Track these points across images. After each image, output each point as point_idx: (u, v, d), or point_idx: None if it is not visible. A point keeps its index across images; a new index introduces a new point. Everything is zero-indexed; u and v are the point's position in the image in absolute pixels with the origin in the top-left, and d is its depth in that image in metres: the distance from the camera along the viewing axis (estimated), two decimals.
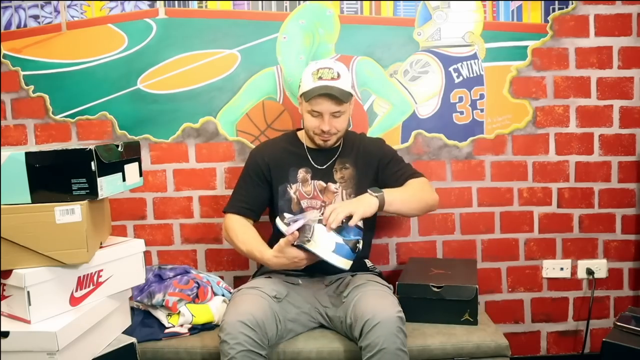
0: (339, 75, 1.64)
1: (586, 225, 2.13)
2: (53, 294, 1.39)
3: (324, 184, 1.76)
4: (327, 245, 1.49)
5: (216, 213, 2.09)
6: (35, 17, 2.01)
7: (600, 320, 2.16)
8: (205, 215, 2.11)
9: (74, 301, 1.43)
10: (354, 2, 2.02)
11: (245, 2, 2.02)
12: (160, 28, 2.02)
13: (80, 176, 1.36)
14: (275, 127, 2.07)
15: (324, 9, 2.02)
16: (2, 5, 1.99)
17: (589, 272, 2.13)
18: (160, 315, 1.74)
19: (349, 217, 1.49)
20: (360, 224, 1.55)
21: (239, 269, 2.14)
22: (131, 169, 1.57)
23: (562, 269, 2.14)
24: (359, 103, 2.06)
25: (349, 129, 1.94)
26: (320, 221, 1.53)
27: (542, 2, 2.02)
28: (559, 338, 2.19)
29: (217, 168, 2.09)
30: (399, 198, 1.62)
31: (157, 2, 2.01)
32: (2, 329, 1.31)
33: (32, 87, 2.03)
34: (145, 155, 2.04)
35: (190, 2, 2.01)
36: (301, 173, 1.77)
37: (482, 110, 2.07)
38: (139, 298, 1.75)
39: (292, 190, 1.76)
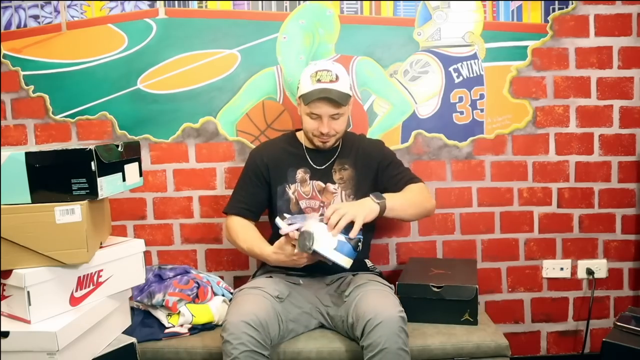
0: (337, 78, 1.64)
1: (586, 225, 2.13)
2: (53, 294, 1.39)
3: (322, 185, 1.76)
4: (329, 243, 1.49)
5: (216, 213, 2.09)
6: (35, 17, 2.01)
7: (600, 320, 2.16)
8: (205, 215, 2.11)
9: (74, 301, 1.43)
10: (354, 2, 2.02)
11: (245, 2, 2.02)
12: (160, 28, 2.02)
13: (80, 176, 1.36)
14: (275, 127, 2.07)
15: (324, 9, 2.02)
16: (2, 5, 1.99)
17: (589, 272, 2.13)
18: (160, 315, 1.74)
19: (351, 222, 1.51)
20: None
21: (239, 269, 2.14)
22: (131, 169, 1.57)
23: (562, 269, 2.14)
24: (359, 103, 2.06)
25: (349, 130, 1.94)
26: (320, 222, 1.53)
27: (542, 2, 2.02)
28: (559, 338, 2.19)
29: (217, 168, 2.09)
30: (400, 204, 1.65)
31: (157, 2, 2.01)
32: (2, 329, 1.31)
33: (32, 87, 2.03)
34: (145, 155, 2.04)
35: (190, 2, 2.01)
36: (300, 173, 1.77)
37: (482, 110, 2.07)
38: (139, 298, 1.75)
39: (291, 190, 1.76)
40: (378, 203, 1.58)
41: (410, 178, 1.77)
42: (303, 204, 1.75)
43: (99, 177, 1.38)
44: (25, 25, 2.01)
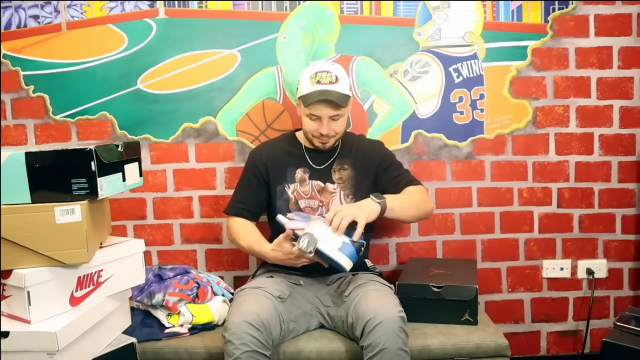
0: (337, 79, 1.64)
1: (586, 225, 2.13)
2: (53, 294, 1.39)
3: (321, 184, 1.76)
4: (333, 243, 1.49)
5: (216, 213, 2.09)
6: (35, 17, 2.01)
7: (600, 320, 2.16)
8: (205, 215, 2.11)
9: (74, 301, 1.43)
10: (354, 2, 2.02)
11: (245, 2, 2.02)
12: (160, 28, 2.02)
13: (80, 176, 1.36)
14: (275, 127, 2.07)
15: (324, 9, 2.02)
16: (2, 5, 1.99)
17: (589, 272, 2.13)
18: (160, 315, 1.74)
19: (353, 223, 1.51)
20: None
21: (239, 269, 2.14)
22: (131, 169, 1.57)
23: (562, 269, 2.14)
24: (359, 103, 2.06)
25: (348, 130, 1.94)
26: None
27: (542, 2, 2.02)
28: (559, 338, 2.19)
29: (217, 168, 2.09)
30: (400, 205, 1.65)
31: (157, 2, 2.01)
32: (2, 329, 1.31)
33: (32, 87, 2.03)
34: (145, 155, 2.04)
35: (190, 2, 2.01)
36: (299, 173, 1.77)
37: (482, 110, 2.07)
38: (139, 298, 1.75)
39: (290, 190, 1.76)
40: (379, 203, 1.59)
41: (409, 180, 1.79)
42: (302, 203, 1.75)
43: (99, 177, 1.38)
44: (25, 25, 2.01)
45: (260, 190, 1.78)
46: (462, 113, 2.07)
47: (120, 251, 1.55)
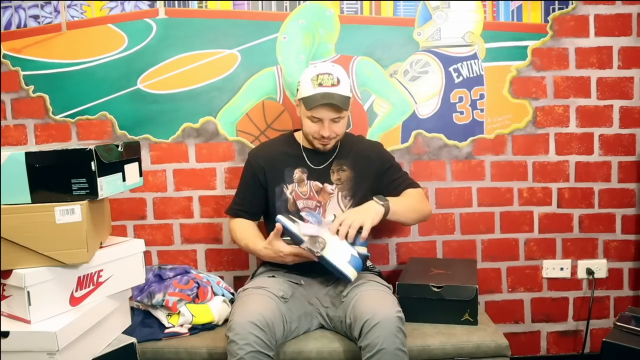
0: (338, 81, 1.64)
1: (586, 225, 2.13)
2: (53, 294, 1.39)
3: (320, 185, 1.76)
4: (343, 256, 1.52)
5: (216, 213, 2.09)
6: (35, 17, 2.01)
7: (600, 320, 2.16)
8: (205, 215, 2.11)
9: (74, 301, 1.43)
10: (354, 2, 2.02)
11: (245, 2, 2.02)
12: (160, 28, 2.02)
13: (80, 176, 1.36)
14: (275, 127, 2.07)
15: (324, 9, 2.02)
16: (2, 5, 1.99)
17: (589, 272, 2.13)
18: (160, 315, 1.74)
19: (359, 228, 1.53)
20: None
21: (239, 269, 2.14)
22: (131, 169, 1.57)
23: (562, 269, 2.14)
24: (359, 103, 2.06)
25: (348, 130, 1.94)
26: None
27: (542, 2, 2.02)
28: (559, 338, 2.19)
29: (217, 168, 2.09)
30: (401, 208, 1.67)
31: (157, 2, 2.01)
32: (2, 329, 1.31)
33: (32, 87, 2.03)
34: (145, 155, 2.04)
35: (190, 2, 2.01)
36: (297, 173, 1.77)
37: (482, 110, 2.07)
38: (139, 298, 1.75)
39: (288, 190, 1.76)
40: (382, 205, 1.60)
41: (409, 183, 1.80)
42: (300, 204, 1.75)
43: (99, 177, 1.38)
44: (25, 25, 2.01)
45: (258, 192, 1.79)
46: (462, 113, 2.07)
47: (120, 251, 1.55)
